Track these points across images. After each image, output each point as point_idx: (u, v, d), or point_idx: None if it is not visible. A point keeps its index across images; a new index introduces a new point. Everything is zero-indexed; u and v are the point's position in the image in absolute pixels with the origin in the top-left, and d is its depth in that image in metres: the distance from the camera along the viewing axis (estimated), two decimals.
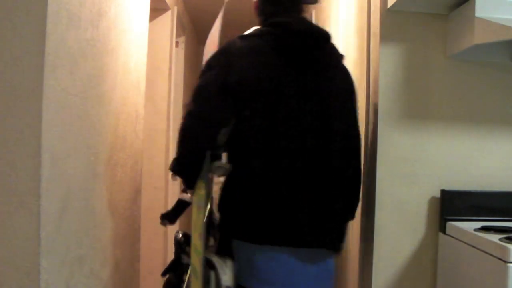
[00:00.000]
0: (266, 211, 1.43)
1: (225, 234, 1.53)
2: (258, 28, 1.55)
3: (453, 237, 1.60)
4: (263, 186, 1.43)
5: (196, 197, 1.52)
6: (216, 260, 1.49)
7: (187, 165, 1.49)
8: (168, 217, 1.68)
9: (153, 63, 2.81)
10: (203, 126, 1.42)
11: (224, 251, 1.52)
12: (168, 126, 3.06)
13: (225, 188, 1.52)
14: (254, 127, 1.43)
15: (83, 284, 1.40)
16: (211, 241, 1.68)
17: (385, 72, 1.70)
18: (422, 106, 1.72)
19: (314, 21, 3.30)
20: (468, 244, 1.49)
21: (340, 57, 1.57)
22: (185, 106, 1.64)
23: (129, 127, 1.91)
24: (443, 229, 1.66)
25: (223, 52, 1.49)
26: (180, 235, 1.68)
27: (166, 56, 3.03)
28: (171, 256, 1.93)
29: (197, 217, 1.50)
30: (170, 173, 1.86)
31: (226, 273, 1.47)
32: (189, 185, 1.55)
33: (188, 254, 1.56)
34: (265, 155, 1.43)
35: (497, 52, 1.69)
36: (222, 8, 2.01)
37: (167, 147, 3.03)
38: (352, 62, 2.12)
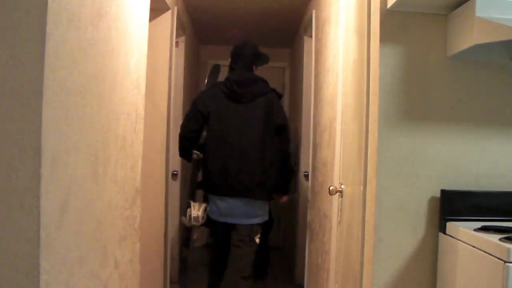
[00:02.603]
0: (216, 178, 2.86)
1: (204, 190, 3.05)
2: (219, 81, 3.08)
3: (453, 237, 1.60)
4: (215, 164, 2.86)
5: None
6: (193, 203, 2.98)
7: (183, 155, 3.06)
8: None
9: (153, 63, 2.81)
10: (185, 134, 2.94)
11: (205, 199, 3.04)
12: (168, 126, 3.05)
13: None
14: (212, 131, 2.90)
15: (83, 284, 1.40)
16: None
17: (385, 72, 1.70)
18: (422, 106, 1.72)
19: (313, 22, 3.31)
20: (468, 244, 1.50)
21: (264, 91, 2.96)
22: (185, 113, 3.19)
23: (129, 127, 1.91)
24: (443, 229, 1.66)
25: (199, 95, 3.09)
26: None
27: (166, 56, 3.03)
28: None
29: None
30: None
31: (195, 209, 2.93)
32: (187, 160, 3.20)
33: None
34: (216, 146, 2.86)
35: (497, 52, 1.69)
36: (210, 70, 3.86)
37: (167, 147, 3.03)
38: (352, 62, 2.12)
